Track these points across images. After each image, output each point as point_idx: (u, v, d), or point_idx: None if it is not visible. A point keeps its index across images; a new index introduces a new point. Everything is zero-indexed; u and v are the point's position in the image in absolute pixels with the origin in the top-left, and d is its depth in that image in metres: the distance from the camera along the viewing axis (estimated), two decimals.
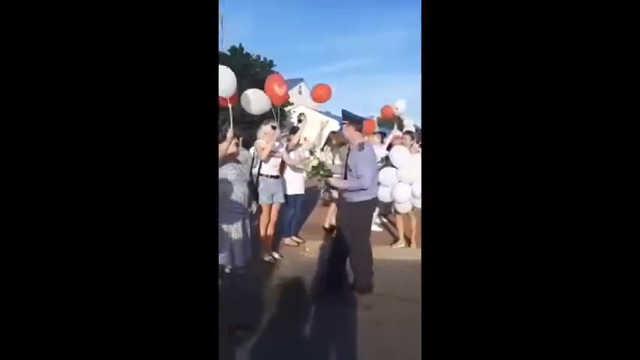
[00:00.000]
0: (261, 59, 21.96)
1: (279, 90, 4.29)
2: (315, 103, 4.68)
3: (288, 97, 4.32)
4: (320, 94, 4.87)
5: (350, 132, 3.29)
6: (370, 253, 3.32)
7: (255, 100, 4.17)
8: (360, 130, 3.32)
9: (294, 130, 4.73)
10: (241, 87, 4.00)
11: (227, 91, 3.56)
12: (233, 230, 3.33)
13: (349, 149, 3.34)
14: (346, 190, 3.29)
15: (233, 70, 3.63)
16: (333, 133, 5.17)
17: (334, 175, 3.47)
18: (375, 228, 5.23)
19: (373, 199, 3.33)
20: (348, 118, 3.30)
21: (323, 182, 3.56)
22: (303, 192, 4.55)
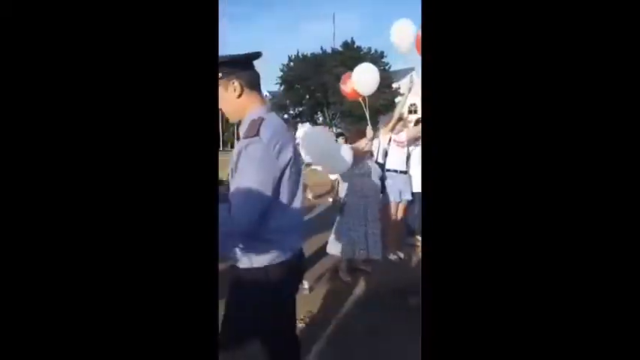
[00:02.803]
0: (372, 51, 21.82)
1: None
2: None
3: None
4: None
5: (230, 90, 1.25)
6: None
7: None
8: (256, 86, 1.29)
9: (419, 122, 4.27)
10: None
11: (372, 90, 3.47)
12: (362, 226, 3.17)
13: (238, 136, 1.41)
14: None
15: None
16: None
17: None
18: None
19: (283, 262, 1.28)
20: (228, 61, 1.24)
21: None
22: None
